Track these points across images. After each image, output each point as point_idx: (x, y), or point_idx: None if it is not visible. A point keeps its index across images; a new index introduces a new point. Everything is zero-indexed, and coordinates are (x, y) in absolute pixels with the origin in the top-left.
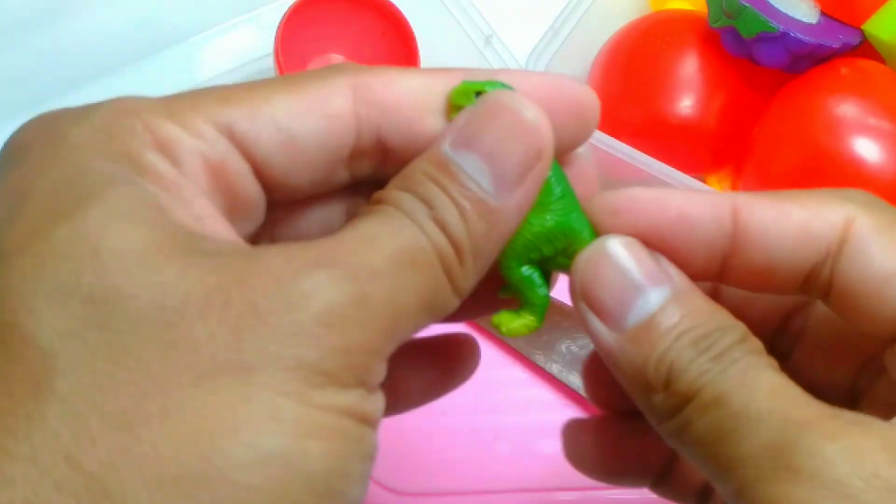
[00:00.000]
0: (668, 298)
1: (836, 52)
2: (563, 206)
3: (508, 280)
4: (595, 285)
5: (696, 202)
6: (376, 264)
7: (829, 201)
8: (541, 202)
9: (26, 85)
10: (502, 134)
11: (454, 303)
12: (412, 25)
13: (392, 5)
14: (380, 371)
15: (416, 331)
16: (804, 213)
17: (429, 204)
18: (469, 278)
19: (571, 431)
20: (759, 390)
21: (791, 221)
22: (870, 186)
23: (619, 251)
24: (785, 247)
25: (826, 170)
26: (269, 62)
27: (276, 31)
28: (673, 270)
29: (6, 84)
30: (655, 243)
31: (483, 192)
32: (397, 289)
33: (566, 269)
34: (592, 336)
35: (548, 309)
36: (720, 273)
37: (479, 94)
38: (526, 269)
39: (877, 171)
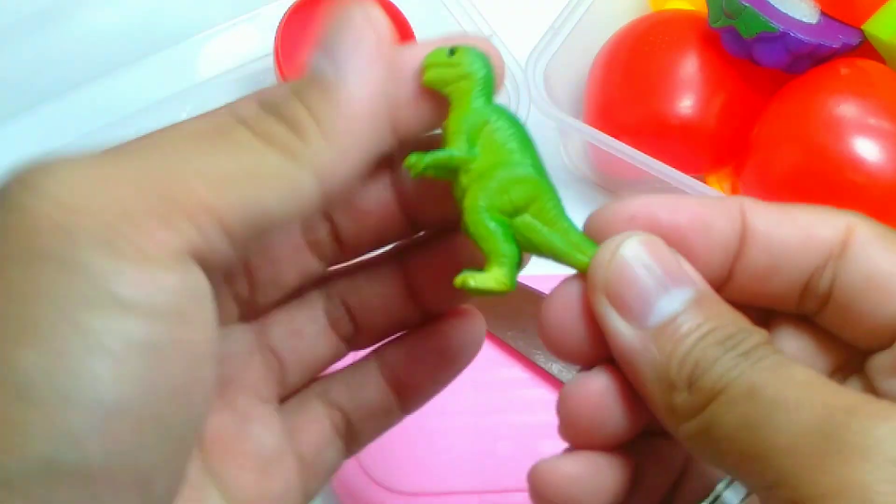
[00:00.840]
0: (692, 300)
1: (836, 52)
2: (517, 160)
3: (473, 235)
4: (618, 281)
5: (708, 204)
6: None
7: (831, 211)
8: (493, 160)
9: (26, 85)
10: (337, 28)
11: (307, 180)
12: (412, 25)
13: (392, 5)
14: (216, 241)
15: (269, 213)
16: (808, 217)
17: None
18: (321, 154)
19: (542, 473)
20: (794, 380)
21: (796, 223)
22: (870, 186)
23: (644, 249)
24: (789, 247)
25: (826, 170)
26: (269, 62)
27: (276, 31)
28: (694, 274)
29: (6, 84)
30: (675, 247)
31: (321, 73)
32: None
33: (536, 242)
34: (611, 333)
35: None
36: (726, 281)
37: (452, 51)
38: (492, 224)
39: (877, 171)
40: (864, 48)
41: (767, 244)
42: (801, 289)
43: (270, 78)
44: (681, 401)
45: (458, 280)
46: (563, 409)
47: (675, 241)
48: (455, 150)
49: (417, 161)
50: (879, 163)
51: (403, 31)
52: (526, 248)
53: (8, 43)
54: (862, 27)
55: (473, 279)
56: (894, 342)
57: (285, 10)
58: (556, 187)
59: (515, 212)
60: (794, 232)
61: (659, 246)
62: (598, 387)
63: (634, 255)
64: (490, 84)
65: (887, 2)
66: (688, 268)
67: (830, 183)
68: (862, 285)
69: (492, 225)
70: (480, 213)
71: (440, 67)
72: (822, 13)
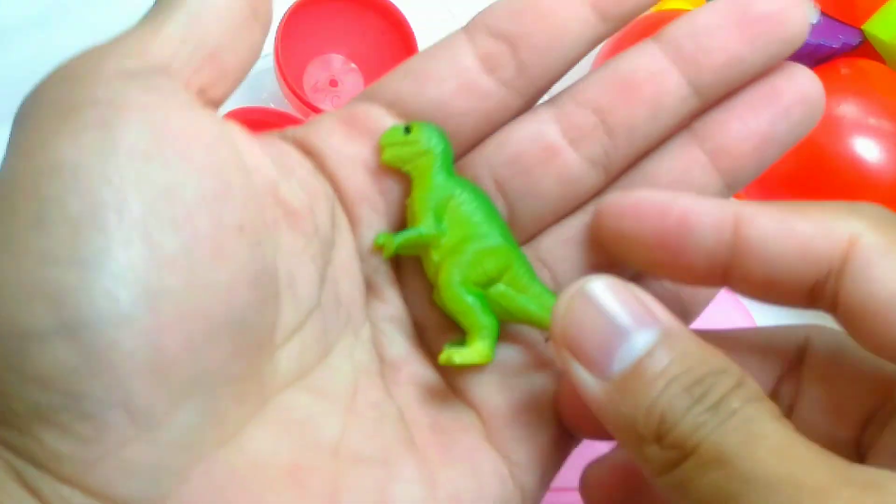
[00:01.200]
0: (656, 341)
1: (836, 52)
2: (485, 232)
3: (452, 311)
4: (577, 331)
5: (699, 209)
6: None
7: (836, 216)
8: (461, 233)
9: (26, 85)
10: None
11: None
12: (412, 25)
13: (392, 5)
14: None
15: None
16: (808, 228)
17: None
18: None
19: None
20: (764, 449)
21: (793, 237)
22: (870, 186)
23: (601, 293)
24: (785, 262)
25: (826, 170)
26: (270, 62)
27: (276, 31)
28: (660, 311)
29: (6, 84)
30: (659, 249)
31: None
32: None
33: (512, 309)
34: (578, 386)
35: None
36: (724, 280)
37: (407, 129)
38: (469, 298)
39: (877, 171)
40: (864, 48)
41: (762, 258)
42: (808, 295)
43: (270, 78)
44: (652, 454)
45: (443, 357)
46: (585, 493)
47: (659, 245)
48: (423, 227)
49: (388, 242)
50: (879, 163)
51: (403, 31)
52: (502, 316)
53: (8, 43)
54: (862, 27)
55: (458, 356)
56: None
57: (285, 10)
58: (524, 254)
59: (489, 282)
60: (791, 247)
61: (618, 287)
62: (613, 467)
63: (591, 301)
64: (449, 157)
65: (887, 2)
66: (652, 305)
67: (830, 183)
68: (860, 308)
69: (469, 299)
70: (457, 288)
71: (397, 146)
72: (822, 13)
